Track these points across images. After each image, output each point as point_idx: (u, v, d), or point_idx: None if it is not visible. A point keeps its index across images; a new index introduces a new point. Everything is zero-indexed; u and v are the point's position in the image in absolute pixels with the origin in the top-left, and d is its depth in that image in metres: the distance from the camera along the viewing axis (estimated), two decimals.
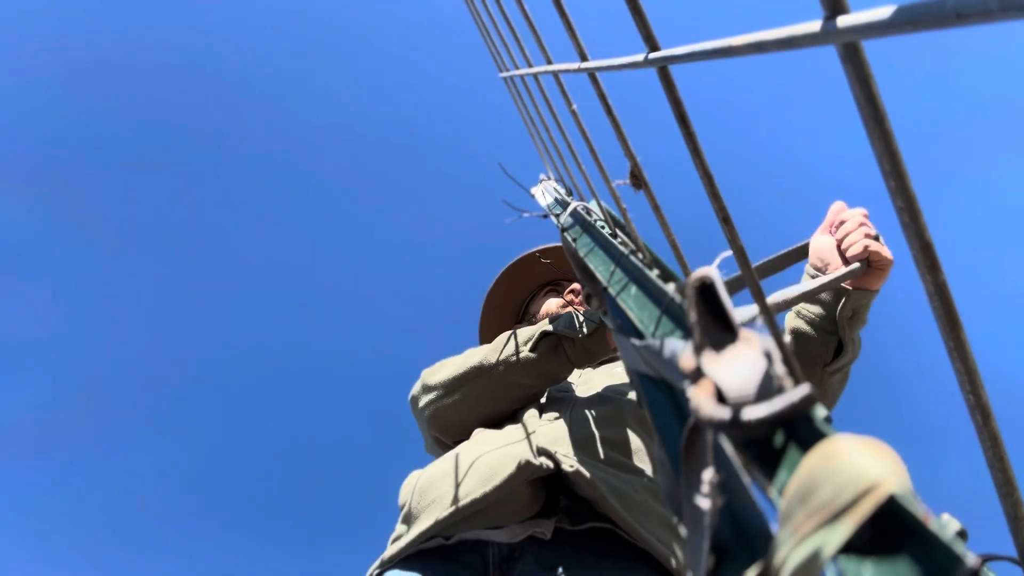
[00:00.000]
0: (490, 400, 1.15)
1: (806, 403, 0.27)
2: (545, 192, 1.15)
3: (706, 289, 0.33)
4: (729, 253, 0.35)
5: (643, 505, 0.94)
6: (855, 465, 0.23)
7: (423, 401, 1.21)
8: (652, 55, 0.33)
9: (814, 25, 0.22)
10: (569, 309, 1.49)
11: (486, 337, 1.69)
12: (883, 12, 0.19)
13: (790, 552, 0.23)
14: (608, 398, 1.18)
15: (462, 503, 0.91)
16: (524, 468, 0.92)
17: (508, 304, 1.68)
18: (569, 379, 1.32)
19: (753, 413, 0.27)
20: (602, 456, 1.01)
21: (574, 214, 0.84)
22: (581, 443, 1.01)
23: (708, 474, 0.29)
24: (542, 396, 1.23)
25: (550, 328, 1.11)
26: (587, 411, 1.11)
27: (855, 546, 0.23)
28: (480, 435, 1.10)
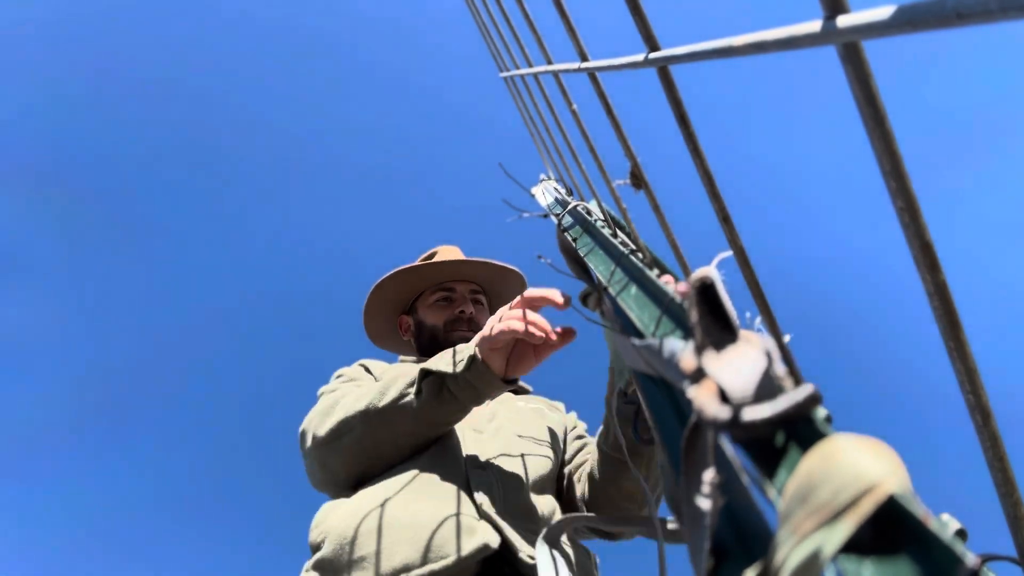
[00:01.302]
0: (378, 448, 1.04)
1: (809, 403, 0.27)
2: (545, 192, 1.15)
3: (706, 289, 0.33)
4: (729, 253, 0.35)
5: None
6: (855, 465, 0.23)
7: (309, 443, 1.09)
8: (652, 55, 0.33)
9: (814, 25, 0.22)
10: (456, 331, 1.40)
11: (369, 318, 1.57)
12: (883, 12, 0.19)
13: (790, 552, 0.23)
14: (526, 450, 1.12)
15: None
16: (481, 551, 0.87)
17: (399, 295, 1.55)
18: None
19: (756, 413, 0.26)
20: (528, 524, 0.97)
21: (574, 213, 0.84)
22: (516, 511, 0.97)
23: (709, 475, 0.29)
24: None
25: (429, 367, 0.99)
26: (509, 466, 1.05)
27: (855, 546, 0.23)
28: (404, 478, 1.00)
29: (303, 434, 1.13)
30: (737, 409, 0.27)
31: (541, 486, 1.10)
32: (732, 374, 0.28)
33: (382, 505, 0.94)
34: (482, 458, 1.05)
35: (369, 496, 0.98)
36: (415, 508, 0.93)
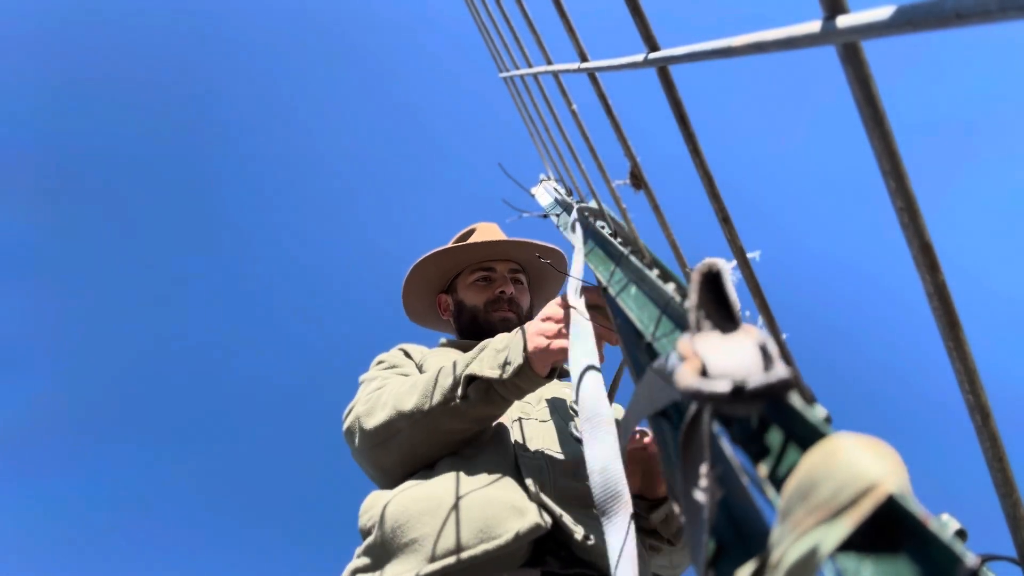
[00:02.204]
0: (429, 445, 1.04)
1: (784, 385, 0.27)
2: (545, 192, 1.15)
3: (713, 279, 0.33)
4: (734, 262, 0.35)
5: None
6: (855, 464, 0.23)
7: (358, 443, 1.09)
8: (652, 55, 0.33)
9: (814, 25, 0.22)
10: (501, 314, 1.39)
11: (408, 297, 1.57)
12: (883, 12, 0.19)
13: (788, 548, 0.23)
14: (567, 434, 1.12)
15: (458, 557, 0.83)
16: (534, 530, 0.87)
17: (438, 275, 1.54)
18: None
19: (723, 386, 0.26)
20: (580, 507, 0.96)
21: (581, 219, 0.84)
22: (566, 494, 0.97)
23: (705, 468, 0.29)
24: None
25: (475, 372, 0.98)
26: (554, 452, 1.05)
27: (855, 545, 0.23)
28: (454, 465, 1.01)
29: (350, 432, 1.12)
30: (713, 383, 0.27)
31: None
32: (719, 355, 0.29)
33: (432, 490, 0.94)
34: (530, 443, 1.05)
35: (418, 482, 0.99)
36: (466, 492, 0.92)
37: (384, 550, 0.90)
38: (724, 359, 0.28)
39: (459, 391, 0.98)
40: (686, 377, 0.28)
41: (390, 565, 0.88)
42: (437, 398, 1.00)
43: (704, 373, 0.28)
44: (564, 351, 0.90)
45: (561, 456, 1.04)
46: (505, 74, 0.96)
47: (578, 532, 0.90)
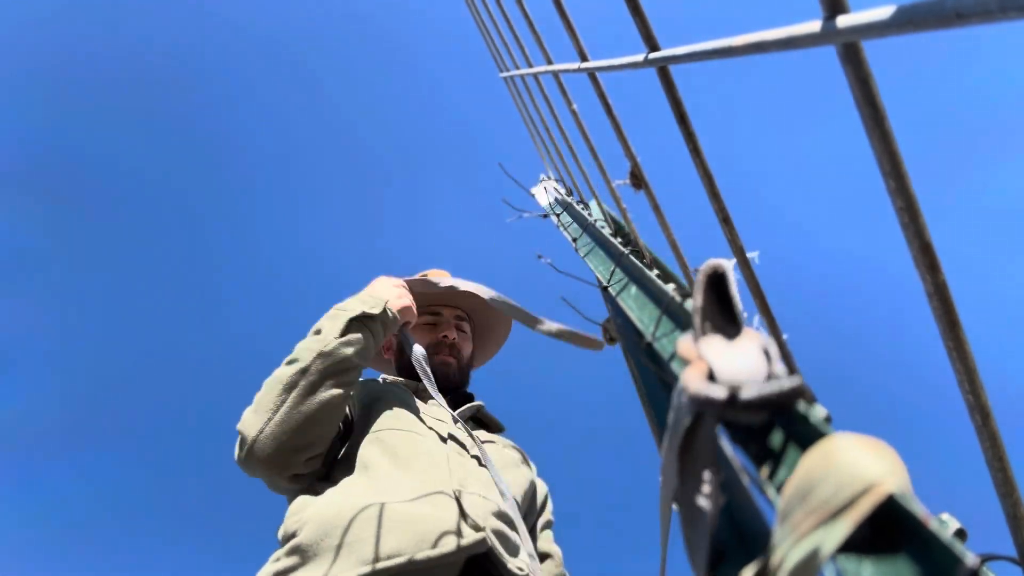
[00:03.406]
0: (333, 406, 1.02)
1: (795, 393, 0.27)
2: (545, 192, 1.15)
3: (717, 280, 0.33)
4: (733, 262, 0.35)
5: None
6: (854, 464, 0.23)
7: (258, 446, 0.97)
8: (652, 55, 0.33)
9: (814, 25, 0.22)
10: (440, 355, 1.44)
11: None
12: (883, 12, 0.19)
13: (789, 550, 0.23)
14: (512, 484, 1.12)
15: (391, 561, 0.82)
16: (478, 544, 0.87)
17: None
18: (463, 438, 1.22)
19: (740, 393, 0.26)
20: (513, 535, 0.97)
21: (571, 211, 0.84)
22: (504, 519, 0.97)
23: (708, 475, 0.29)
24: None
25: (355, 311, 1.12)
26: (494, 489, 1.04)
27: (855, 545, 0.23)
28: (391, 471, 0.99)
29: (246, 456, 1.00)
30: (726, 389, 0.27)
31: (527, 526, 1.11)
32: (725, 359, 0.29)
33: (371, 496, 0.93)
34: (468, 477, 1.05)
35: (347, 488, 0.97)
36: (401, 500, 0.92)
37: (312, 550, 0.86)
38: (731, 364, 0.28)
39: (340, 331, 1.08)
40: (694, 381, 0.28)
41: (321, 565, 0.84)
42: (315, 344, 1.07)
43: (711, 378, 0.28)
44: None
45: (498, 493, 1.05)
46: (505, 74, 0.96)
47: (511, 563, 0.90)
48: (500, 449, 1.25)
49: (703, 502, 0.29)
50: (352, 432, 1.16)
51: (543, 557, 1.23)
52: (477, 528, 0.90)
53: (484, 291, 1.52)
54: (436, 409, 1.27)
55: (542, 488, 1.37)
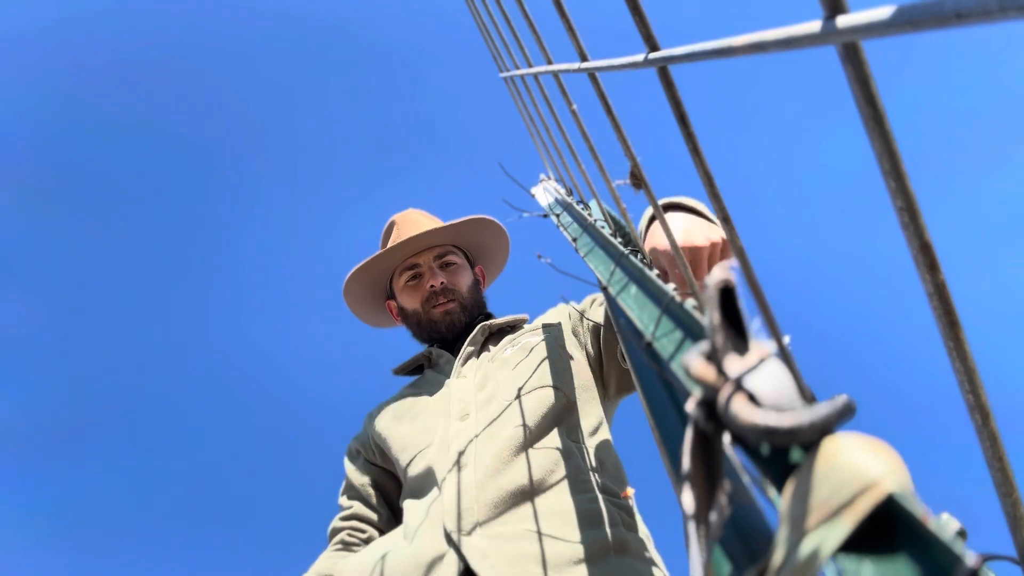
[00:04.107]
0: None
1: (847, 412, 0.26)
2: (545, 192, 1.15)
3: (724, 292, 0.32)
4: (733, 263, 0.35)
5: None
6: (854, 464, 0.23)
7: None
8: (652, 55, 0.33)
9: (814, 25, 0.22)
10: (434, 309, 1.37)
11: (361, 316, 1.56)
12: (883, 12, 0.19)
13: (789, 551, 0.23)
14: (524, 404, 1.03)
15: None
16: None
17: (373, 287, 1.52)
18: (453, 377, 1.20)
19: (796, 420, 0.25)
20: (507, 520, 0.89)
21: (571, 211, 0.84)
22: (495, 506, 0.90)
23: (717, 487, 0.28)
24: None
25: None
26: (496, 443, 0.98)
27: (855, 545, 0.23)
28: (407, 506, 1.06)
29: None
30: (781, 417, 0.26)
31: (546, 427, 1.03)
32: (761, 382, 0.28)
33: (383, 543, 1.00)
34: (464, 451, 1.00)
35: (380, 539, 1.07)
36: (405, 543, 0.96)
37: None
38: (770, 387, 0.27)
39: None
40: (750, 414, 0.27)
41: None
42: None
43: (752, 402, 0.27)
44: None
45: (498, 451, 0.97)
46: (505, 74, 0.96)
47: (488, 572, 0.83)
48: (510, 356, 1.20)
49: (712, 517, 0.28)
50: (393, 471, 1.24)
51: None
52: (455, 548, 0.87)
53: (429, 223, 1.43)
54: (447, 364, 1.28)
55: (566, 313, 1.28)
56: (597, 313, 1.23)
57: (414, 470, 1.09)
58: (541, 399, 1.07)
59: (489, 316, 1.44)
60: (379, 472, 1.28)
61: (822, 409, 0.26)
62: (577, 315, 1.27)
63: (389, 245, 1.45)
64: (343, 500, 1.29)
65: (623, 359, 0.96)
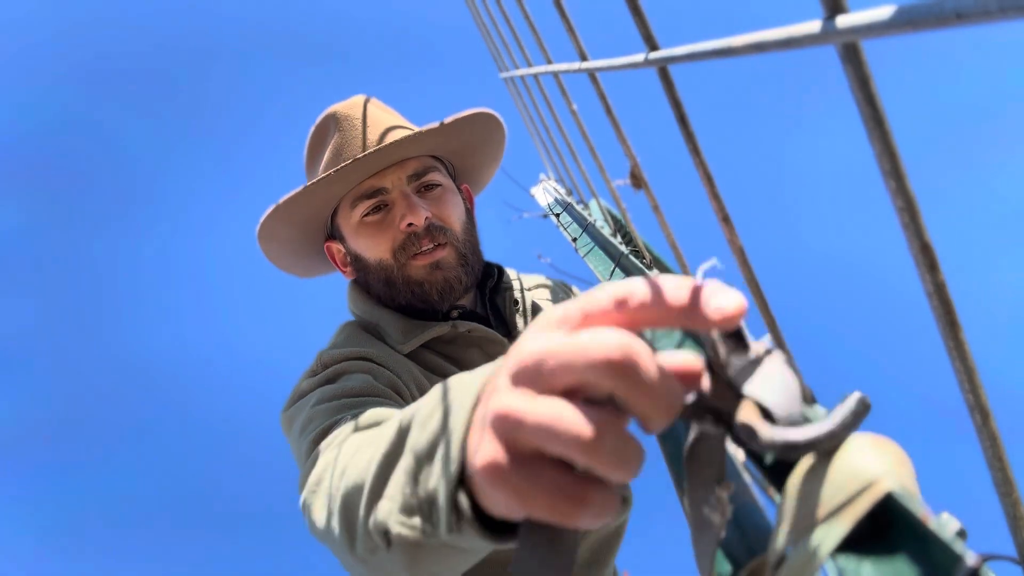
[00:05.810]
0: None
1: (863, 409, 0.25)
2: (545, 192, 1.15)
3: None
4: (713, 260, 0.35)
5: None
6: (854, 462, 0.23)
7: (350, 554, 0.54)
8: (652, 55, 0.33)
9: (814, 25, 0.22)
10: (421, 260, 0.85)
11: (280, 261, 1.03)
12: (883, 12, 0.19)
13: (789, 549, 0.23)
14: None
15: None
16: None
17: (306, 222, 0.95)
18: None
19: (815, 432, 0.25)
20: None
21: (571, 212, 0.84)
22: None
23: (719, 488, 0.28)
24: None
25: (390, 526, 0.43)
26: None
27: (854, 544, 0.23)
28: None
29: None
30: (798, 432, 0.25)
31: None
32: (768, 392, 0.27)
33: None
34: None
35: None
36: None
37: None
38: (777, 397, 0.26)
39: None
40: (772, 433, 0.25)
41: None
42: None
43: (765, 416, 0.27)
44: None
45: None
46: (506, 74, 0.96)
47: None
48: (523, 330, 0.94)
49: (713, 516, 0.28)
50: None
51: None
52: None
53: (392, 119, 0.92)
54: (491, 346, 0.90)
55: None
56: None
57: None
58: None
59: (491, 269, 0.98)
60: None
61: (838, 417, 0.25)
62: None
63: (333, 159, 0.90)
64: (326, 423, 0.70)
65: None
